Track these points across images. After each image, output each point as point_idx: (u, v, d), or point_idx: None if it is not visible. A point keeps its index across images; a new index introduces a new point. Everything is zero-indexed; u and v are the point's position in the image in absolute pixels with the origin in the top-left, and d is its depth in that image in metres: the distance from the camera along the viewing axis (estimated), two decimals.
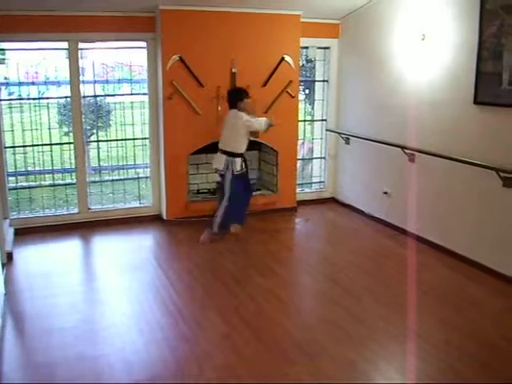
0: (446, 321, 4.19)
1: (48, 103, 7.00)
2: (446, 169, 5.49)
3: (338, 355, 3.70)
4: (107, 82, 7.36)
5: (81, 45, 6.06)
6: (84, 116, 6.34)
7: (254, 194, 6.90)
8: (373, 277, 5.06)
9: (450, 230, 5.54)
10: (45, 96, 7.63)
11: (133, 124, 6.82)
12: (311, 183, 7.71)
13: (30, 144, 6.65)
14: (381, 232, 6.33)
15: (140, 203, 6.87)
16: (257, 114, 6.04)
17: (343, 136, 7.17)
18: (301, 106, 7.48)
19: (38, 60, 7.54)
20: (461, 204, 5.37)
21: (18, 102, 6.97)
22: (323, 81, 7.40)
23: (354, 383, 3.41)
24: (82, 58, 6.14)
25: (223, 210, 5.80)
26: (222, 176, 5.84)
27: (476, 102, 5.04)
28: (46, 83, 7.69)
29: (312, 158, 7.79)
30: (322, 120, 7.47)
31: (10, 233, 5.75)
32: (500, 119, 4.86)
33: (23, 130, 6.48)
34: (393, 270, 5.22)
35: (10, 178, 6.67)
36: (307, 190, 7.60)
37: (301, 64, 7.25)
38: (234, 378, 3.45)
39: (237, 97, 5.87)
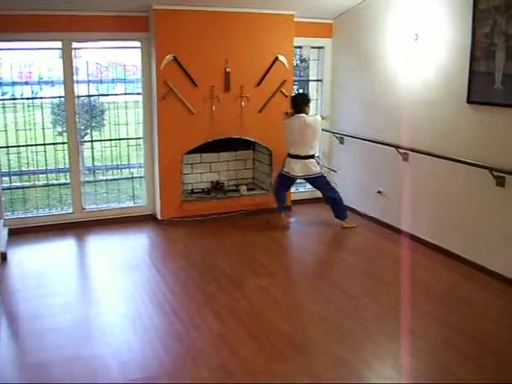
0: (441, 320, 4.21)
1: (42, 103, 6.97)
2: (439, 168, 5.52)
3: (333, 354, 3.71)
4: (101, 81, 7.34)
5: (74, 44, 6.03)
6: (78, 116, 6.32)
7: (249, 193, 6.94)
8: (367, 276, 5.08)
9: (443, 228, 5.57)
10: (38, 96, 7.60)
11: (127, 124, 6.81)
12: (305, 183, 7.71)
13: (24, 144, 6.63)
14: (375, 231, 6.35)
15: (134, 203, 6.86)
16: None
17: (337, 135, 7.18)
18: None
19: (32, 60, 7.51)
20: (454, 203, 5.40)
21: (11, 101, 6.94)
22: (317, 80, 7.41)
23: (348, 383, 3.42)
24: (75, 57, 6.11)
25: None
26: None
27: (469, 101, 5.06)
28: (39, 83, 7.67)
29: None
30: None
31: (3, 233, 5.72)
32: (493, 118, 4.88)
33: (17, 130, 6.46)
34: (387, 269, 5.24)
35: (4, 178, 6.65)
36: (301, 189, 7.61)
37: (295, 64, 7.26)
38: (228, 376, 3.45)
39: (305, 101, 6.26)
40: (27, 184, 7.24)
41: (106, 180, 7.30)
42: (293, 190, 7.31)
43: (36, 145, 6.68)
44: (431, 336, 3.96)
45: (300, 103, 6.20)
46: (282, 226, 6.49)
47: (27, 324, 4.14)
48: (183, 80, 6.23)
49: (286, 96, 6.73)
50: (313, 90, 7.48)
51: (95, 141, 7.34)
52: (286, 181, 6.41)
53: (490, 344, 3.86)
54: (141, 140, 6.70)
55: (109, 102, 8.37)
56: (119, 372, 3.50)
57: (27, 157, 6.81)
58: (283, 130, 6.24)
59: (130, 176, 7.30)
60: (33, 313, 4.31)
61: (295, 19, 6.60)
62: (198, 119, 6.37)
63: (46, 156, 6.71)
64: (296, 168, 6.20)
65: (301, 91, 6.78)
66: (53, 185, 7.22)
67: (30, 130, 6.56)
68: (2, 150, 6.43)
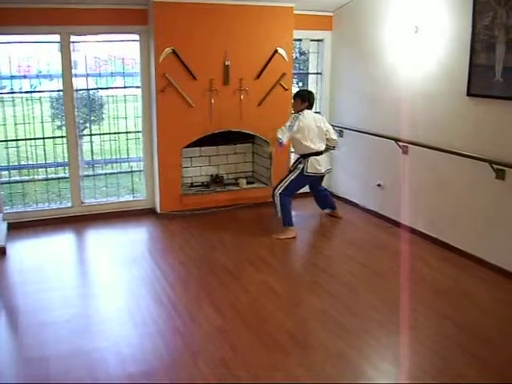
0: (440, 312, 4.21)
1: (40, 97, 6.96)
2: (439, 161, 5.50)
3: (331, 347, 3.71)
4: (100, 75, 7.32)
5: (73, 38, 6.01)
6: (77, 109, 6.30)
7: (248, 186, 6.94)
8: (367, 269, 5.08)
9: (442, 221, 5.56)
10: (37, 90, 7.58)
11: (126, 117, 6.79)
12: None
13: (23, 138, 6.61)
14: (374, 224, 6.35)
15: (133, 197, 6.85)
16: None
17: (337, 128, 7.16)
18: None
19: (30, 53, 7.49)
20: (454, 196, 5.39)
21: (10, 95, 6.92)
22: (317, 73, 7.39)
23: (347, 383, 3.43)
24: (74, 51, 6.09)
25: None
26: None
27: (469, 93, 5.04)
28: (38, 77, 7.64)
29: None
30: (316, 112, 7.44)
31: (3, 227, 5.72)
32: (493, 111, 4.86)
33: (15, 124, 6.44)
34: (386, 262, 5.24)
35: (3, 172, 6.64)
36: None
37: (294, 56, 7.23)
38: (227, 370, 3.45)
39: (314, 98, 6.09)
40: (26, 178, 7.23)
41: (105, 174, 7.29)
42: None
43: (35, 139, 6.66)
44: (429, 329, 3.97)
45: (313, 99, 6.04)
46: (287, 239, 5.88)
47: (26, 318, 4.15)
48: (182, 73, 6.20)
49: (286, 89, 6.71)
50: (312, 83, 7.46)
51: (94, 134, 7.31)
52: (312, 181, 6.20)
53: (488, 337, 3.87)
54: (140, 134, 6.68)
55: (108, 96, 8.36)
56: (118, 366, 3.50)
57: (26, 151, 6.80)
58: (299, 128, 5.78)
59: (130, 170, 7.28)
60: (32, 307, 4.31)
61: (295, 12, 6.57)
62: (197, 112, 6.36)
63: (44, 150, 6.70)
64: (323, 163, 5.97)
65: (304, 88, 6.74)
66: (52, 179, 7.20)
67: (29, 123, 6.55)
68: (0, 144, 6.42)
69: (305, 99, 5.92)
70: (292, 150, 7.05)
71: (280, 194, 5.85)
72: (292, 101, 6.06)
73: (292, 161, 7.08)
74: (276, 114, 6.46)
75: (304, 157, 5.92)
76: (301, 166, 5.93)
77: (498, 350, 3.71)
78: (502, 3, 4.60)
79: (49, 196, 6.74)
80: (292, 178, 5.93)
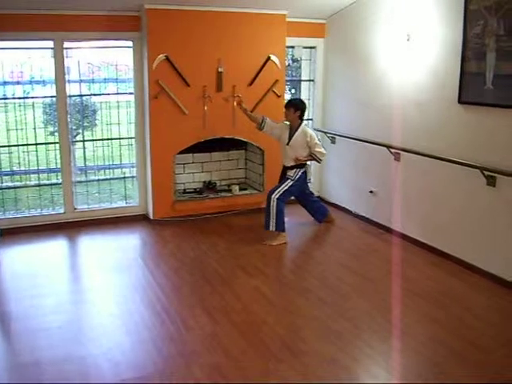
0: (431, 318, 4.23)
1: (33, 103, 6.95)
2: (430, 167, 5.54)
3: (324, 353, 3.73)
4: (93, 81, 7.32)
5: (66, 44, 6.02)
6: (69, 115, 6.30)
7: (241, 193, 6.95)
8: (359, 275, 5.09)
9: (434, 228, 5.59)
10: (30, 95, 7.57)
11: (119, 123, 6.80)
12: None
13: (15, 144, 6.60)
14: (367, 231, 6.37)
15: (126, 203, 6.85)
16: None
17: (329, 135, 7.20)
18: None
19: (23, 59, 7.49)
20: (445, 202, 5.42)
21: (2, 101, 6.91)
22: (309, 80, 7.43)
23: (340, 383, 3.43)
24: (67, 57, 6.09)
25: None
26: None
27: (460, 101, 5.09)
28: (31, 82, 7.64)
29: None
30: (308, 119, 7.49)
31: None
32: (484, 118, 4.91)
33: (8, 130, 6.43)
34: (379, 268, 5.26)
35: None
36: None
37: (287, 63, 7.27)
38: (220, 376, 3.45)
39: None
40: (19, 184, 7.23)
41: (98, 180, 7.29)
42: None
43: (27, 145, 6.67)
44: (421, 334, 3.99)
45: (305, 108, 6.06)
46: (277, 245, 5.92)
47: (19, 324, 4.13)
48: (175, 80, 6.22)
49: (279, 96, 6.74)
50: (305, 90, 7.50)
51: (87, 140, 7.32)
52: (305, 188, 6.44)
53: (477, 341, 3.89)
54: (133, 140, 6.69)
55: (101, 102, 8.37)
56: (111, 372, 3.49)
57: (18, 157, 6.79)
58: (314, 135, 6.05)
59: (122, 176, 7.28)
60: (24, 313, 4.30)
61: (287, 19, 6.61)
62: (190, 119, 6.37)
63: (37, 156, 6.70)
64: None
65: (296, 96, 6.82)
66: (44, 185, 7.19)
67: (22, 129, 6.55)
68: None
69: (298, 108, 5.95)
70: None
71: (277, 199, 5.88)
72: (284, 110, 6.03)
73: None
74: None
75: (305, 164, 6.11)
76: (301, 172, 6.06)
77: (489, 354, 3.73)
78: (493, 12, 4.65)
79: (41, 202, 6.73)
80: (291, 183, 6.02)
